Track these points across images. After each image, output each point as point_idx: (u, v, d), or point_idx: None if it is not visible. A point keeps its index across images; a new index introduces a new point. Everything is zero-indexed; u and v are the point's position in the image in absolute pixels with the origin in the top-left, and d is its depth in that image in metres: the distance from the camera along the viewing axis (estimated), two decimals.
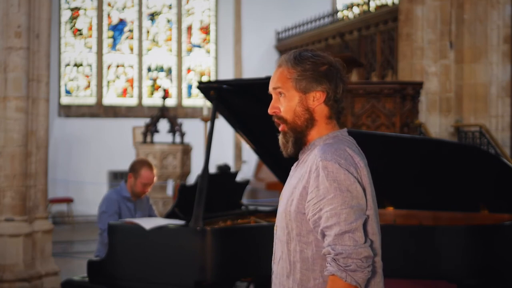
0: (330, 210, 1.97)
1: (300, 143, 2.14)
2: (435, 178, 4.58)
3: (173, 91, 14.84)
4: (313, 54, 2.13)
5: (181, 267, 4.10)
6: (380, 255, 2.10)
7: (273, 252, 2.20)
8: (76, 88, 14.13)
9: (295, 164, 2.20)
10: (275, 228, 2.20)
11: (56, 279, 6.26)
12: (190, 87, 15.00)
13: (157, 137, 11.06)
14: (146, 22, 14.68)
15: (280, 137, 2.16)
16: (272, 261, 2.21)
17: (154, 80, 14.77)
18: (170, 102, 14.10)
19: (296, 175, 2.14)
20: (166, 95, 11.60)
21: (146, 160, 5.51)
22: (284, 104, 2.12)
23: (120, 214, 5.02)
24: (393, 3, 11.06)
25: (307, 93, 2.10)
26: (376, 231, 2.07)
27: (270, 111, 2.16)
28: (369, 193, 2.06)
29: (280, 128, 2.15)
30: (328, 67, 2.11)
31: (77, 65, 14.12)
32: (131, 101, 14.52)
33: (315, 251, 2.04)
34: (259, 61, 14.49)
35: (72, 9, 14.06)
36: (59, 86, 13.75)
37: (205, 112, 10.69)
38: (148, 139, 10.86)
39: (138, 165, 5.14)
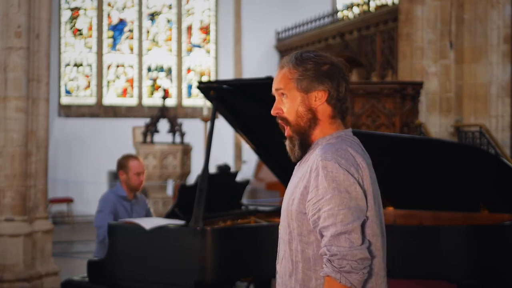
0: (328, 211, 1.96)
1: (306, 144, 2.13)
2: (435, 178, 4.57)
3: (173, 91, 14.84)
4: (315, 54, 2.12)
5: (181, 267, 4.10)
6: (381, 257, 2.07)
7: (277, 252, 2.20)
8: (76, 88, 14.13)
9: (298, 164, 2.19)
10: (279, 227, 2.20)
11: (56, 279, 6.25)
12: (190, 87, 15.01)
13: (157, 137, 11.06)
14: (146, 22, 14.68)
15: (287, 142, 2.15)
16: (276, 261, 2.20)
17: (154, 80, 14.77)
18: (170, 102, 14.10)
19: (298, 174, 2.13)
20: (166, 95, 11.60)
21: (128, 154, 5.62)
22: (287, 105, 2.12)
23: (117, 214, 5.05)
24: (393, 3, 11.05)
25: (309, 92, 2.09)
26: (377, 232, 2.05)
27: (273, 112, 2.16)
28: (371, 193, 2.04)
29: (286, 134, 2.15)
30: (330, 66, 2.10)
31: (77, 65, 14.12)
32: (131, 101, 14.52)
33: (316, 251, 2.03)
34: (259, 61, 14.49)
35: (72, 9, 14.07)
36: (59, 86, 13.75)
37: (205, 112, 10.69)
38: (148, 139, 10.86)
39: (124, 160, 5.29)
